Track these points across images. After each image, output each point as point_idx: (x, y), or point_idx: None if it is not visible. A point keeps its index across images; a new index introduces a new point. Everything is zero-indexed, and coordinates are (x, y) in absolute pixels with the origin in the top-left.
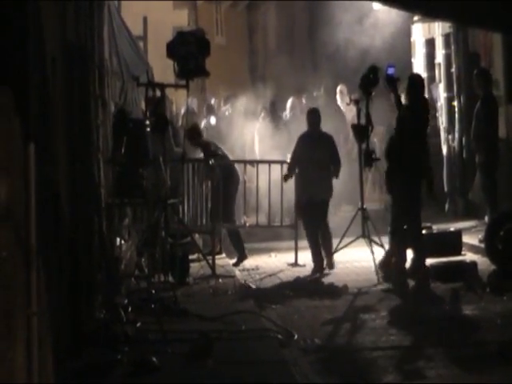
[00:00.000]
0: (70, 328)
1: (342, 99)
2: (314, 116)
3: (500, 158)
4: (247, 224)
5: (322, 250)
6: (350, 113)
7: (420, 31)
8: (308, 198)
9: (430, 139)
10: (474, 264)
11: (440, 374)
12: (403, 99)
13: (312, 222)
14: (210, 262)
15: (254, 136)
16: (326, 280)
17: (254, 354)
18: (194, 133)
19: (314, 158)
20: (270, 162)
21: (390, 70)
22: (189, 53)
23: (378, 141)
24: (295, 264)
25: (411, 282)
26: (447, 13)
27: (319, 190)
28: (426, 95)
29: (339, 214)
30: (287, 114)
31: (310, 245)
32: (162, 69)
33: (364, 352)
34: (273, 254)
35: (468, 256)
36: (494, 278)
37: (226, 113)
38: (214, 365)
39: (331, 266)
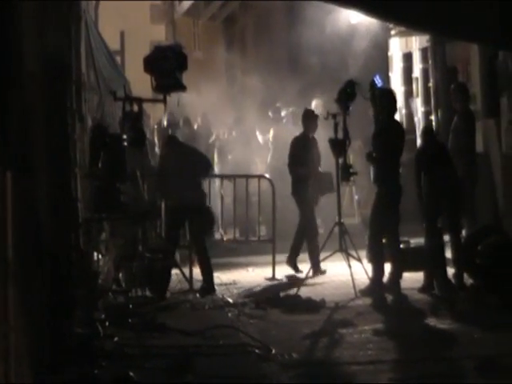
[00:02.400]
0: (50, 343)
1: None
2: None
3: (478, 173)
4: (224, 239)
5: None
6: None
7: (397, 45)
8: None
9: (408, 154)
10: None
11: None
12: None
13: None
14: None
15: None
16: (304, 294)
17: (233, 368)
18: None
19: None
20: (247, 177)
21: (378, 81)
22: (166, 67)
23: (355, 155)
24: (273, 278)
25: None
26: (428, 23)
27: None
28: (404, 110)
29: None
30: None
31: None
32: (140, 83)
33: (342, 367)
34: (250, 269)
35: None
36: (472, 292)
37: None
38: (193, 380)
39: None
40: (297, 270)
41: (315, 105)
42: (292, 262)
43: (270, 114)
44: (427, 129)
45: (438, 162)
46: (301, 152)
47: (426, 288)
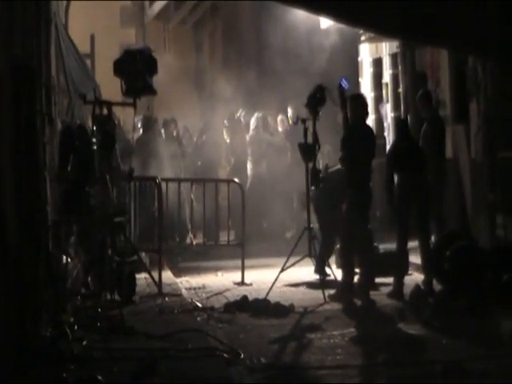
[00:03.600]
0: (17, 346)
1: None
2: None
3: (447, 178)
4: (194, 243)
5: None
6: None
7: (367, 51)
8: None
9: (377, 159)
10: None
11: None
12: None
13: None
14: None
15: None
16: (273, 299)
17: (201, 372)
18: None
19: None
20: (217, 181)
21: (344, 84)
22: (136, 71)
23: (324, 160)
24: (242, 283)
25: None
26: (397, 30)
27: None
28: (374, 115)
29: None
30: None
31: None
32: (110, 86)
33: (310, 371)
34: (219, 273)
35: (414, 276)
36: (441, 297)
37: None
38: (160, 383)
39: None
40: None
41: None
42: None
43: (225, 122)
44: (401, 124)
45: (412, 160)
46: None
47: (395, 293)
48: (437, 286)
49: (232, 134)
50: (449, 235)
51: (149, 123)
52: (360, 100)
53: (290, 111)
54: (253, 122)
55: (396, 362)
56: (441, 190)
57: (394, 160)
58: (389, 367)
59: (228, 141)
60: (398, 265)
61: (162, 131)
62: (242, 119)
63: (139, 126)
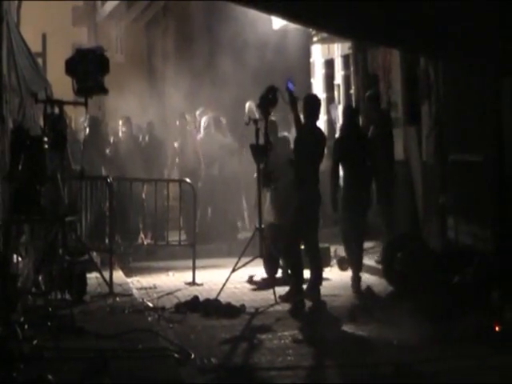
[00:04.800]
0: None
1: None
2: None
3: (397, 180)
4: (145, 242)
5: None
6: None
7: (319, 52)
8: None
9: (327, 160)
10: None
11: None
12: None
13: None
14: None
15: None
16: (224, 299)
17: (151, 373)
18: None
19: None
20: (168, 181)
21: (290, 85)
22: (88, 70)
23: None
24: (193, 283)
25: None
26: (348, 30)
27: None
28: (325, 116)
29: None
30: (201, 131)
31: None
32: (61, 86)
33: (261, 372)
34: (171, 273)
35: (365, 277)
36: (391, 299)
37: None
38: (109, 383)
39: None
40: None
41: (249, 107)
42: None
43: (177, 122)
44: (349, 111)
45: (358, 156)
46: None
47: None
48: (388, 287)
49: (182, 134)
50: (400, 237)
51: (95, 123)
52: (313, 101)
53: (247, 107)
54: (204, 121)
55: (346, 363)
56: (390, 192)
57: (340, 153)
58: (339, 368)
59: (178, 141)
60: (351, 262)
61: None
62: (197, 117)
63: (85, 125)
